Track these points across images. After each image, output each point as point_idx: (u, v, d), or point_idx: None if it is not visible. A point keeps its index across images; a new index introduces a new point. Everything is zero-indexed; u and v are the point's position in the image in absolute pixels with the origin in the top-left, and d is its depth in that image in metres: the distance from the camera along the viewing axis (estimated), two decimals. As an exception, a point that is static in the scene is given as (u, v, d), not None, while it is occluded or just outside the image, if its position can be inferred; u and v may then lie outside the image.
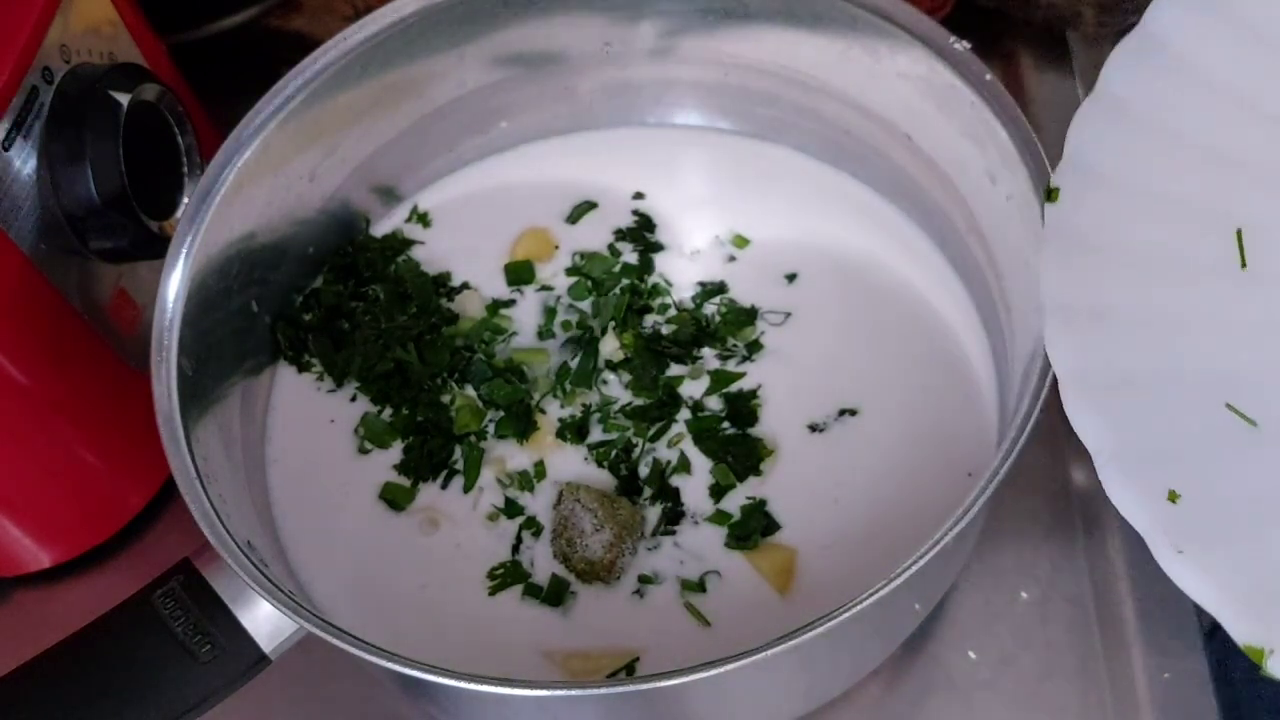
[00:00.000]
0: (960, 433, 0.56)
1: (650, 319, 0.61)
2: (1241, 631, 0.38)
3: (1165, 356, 0.44)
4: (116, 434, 0.60)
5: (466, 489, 0.57)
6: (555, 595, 0.54)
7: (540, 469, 0.57)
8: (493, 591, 0.54)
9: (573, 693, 0.43)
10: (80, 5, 0.56)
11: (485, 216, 0.66)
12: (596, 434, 0.58)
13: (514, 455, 0.58)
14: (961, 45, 0.54)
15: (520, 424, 0.58)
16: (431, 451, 0.58)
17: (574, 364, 0.59)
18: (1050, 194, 0.47)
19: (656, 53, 0.63)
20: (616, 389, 0.59)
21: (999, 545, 0.59)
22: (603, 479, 0.57)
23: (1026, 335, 0.50)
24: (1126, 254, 0.46)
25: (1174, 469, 0.41)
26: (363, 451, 0.59)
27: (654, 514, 0.56)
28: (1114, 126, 0.47)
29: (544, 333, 0.61)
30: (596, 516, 0.53)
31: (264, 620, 0.46)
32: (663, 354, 0.59)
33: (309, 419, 0.60)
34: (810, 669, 0.50)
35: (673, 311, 0.61)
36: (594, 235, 0.64)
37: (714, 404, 0.58)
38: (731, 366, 0.59)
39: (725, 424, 0.58)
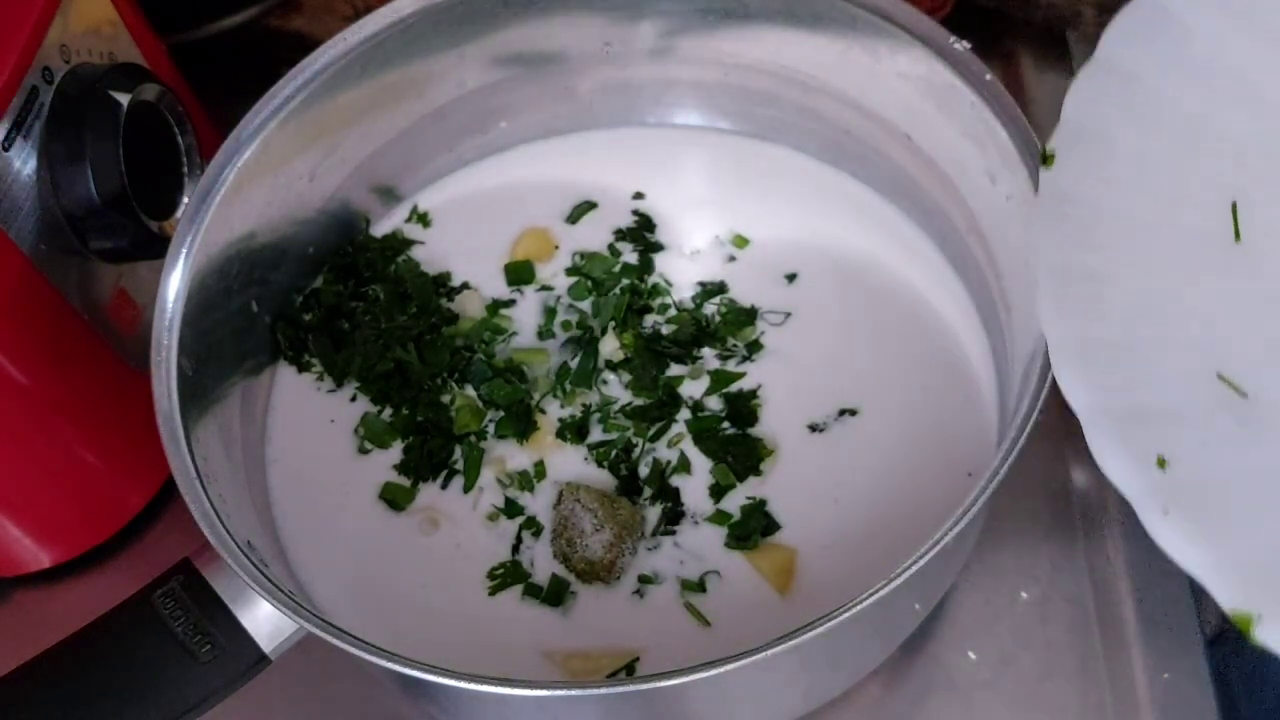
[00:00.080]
0: (960, 433, 0.56)
1: (650, 319, 0.61)
2: (1228, 597, 0.38)
3: (1156, 323, 0.44)
4: (116, 434, 0.60)
5: (466, 489, 0.57)
6: (555, 595, 0.54)
7: (540, 469, 0.57)
8: (493, 591, 0.54)
9: (573, 693, 0.43)
10: (80, 5, 0.56)
11: (485, 216, 0.66)
12: (596, 434, 0.58)
13: (514, 455, 0.58)
14: (961, 45, 0.54)
15: (520, 424, 0.58)
16: (431, 451, 0.58)
17: (574, 364, 0.59)
18: (1045, 159, 0.47)
19: (656, 53, 0.63)
20: (616, 389, 0.59)
21: (999, 545, 0.59)
22: (603, 479, 0.57)
23: (1026, 335, 0.50)
24: (1120, 219, 0.46)
25: (1162, 435, 0.41)
26: (363, 451, 0.59)
27: (654, 514, 0.56)
28: (1111, 94, 0.47)
29: (544, 333, 0.61)
30: (596, 516, 0.53)
31: (264, 620, 0.46)
32: (663, 354, 0.59)
33: (309, 419, 0.60)
34: (810, 669, 0.50)
35: (673, 311, 0.61)
36: (594, 235, 0.64)
37: (714, 404, 0.58)
38: (731, 366, 0.59)
39: (725, 424, 0.58)
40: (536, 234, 0.64)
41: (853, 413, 0.57)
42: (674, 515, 0.55)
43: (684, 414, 0.58)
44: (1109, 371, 0.43)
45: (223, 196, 0.54)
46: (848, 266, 0.62)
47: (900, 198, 0.63)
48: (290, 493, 0.58)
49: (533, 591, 0.54)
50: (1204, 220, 0.45)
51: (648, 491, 0.56)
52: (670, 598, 0.54)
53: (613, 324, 0.60)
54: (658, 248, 0.63)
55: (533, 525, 0.56)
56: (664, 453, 0.57)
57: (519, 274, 0.63)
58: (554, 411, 0.59)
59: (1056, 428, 0.61)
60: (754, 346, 0.60)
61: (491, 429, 0.58)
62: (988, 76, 0.53)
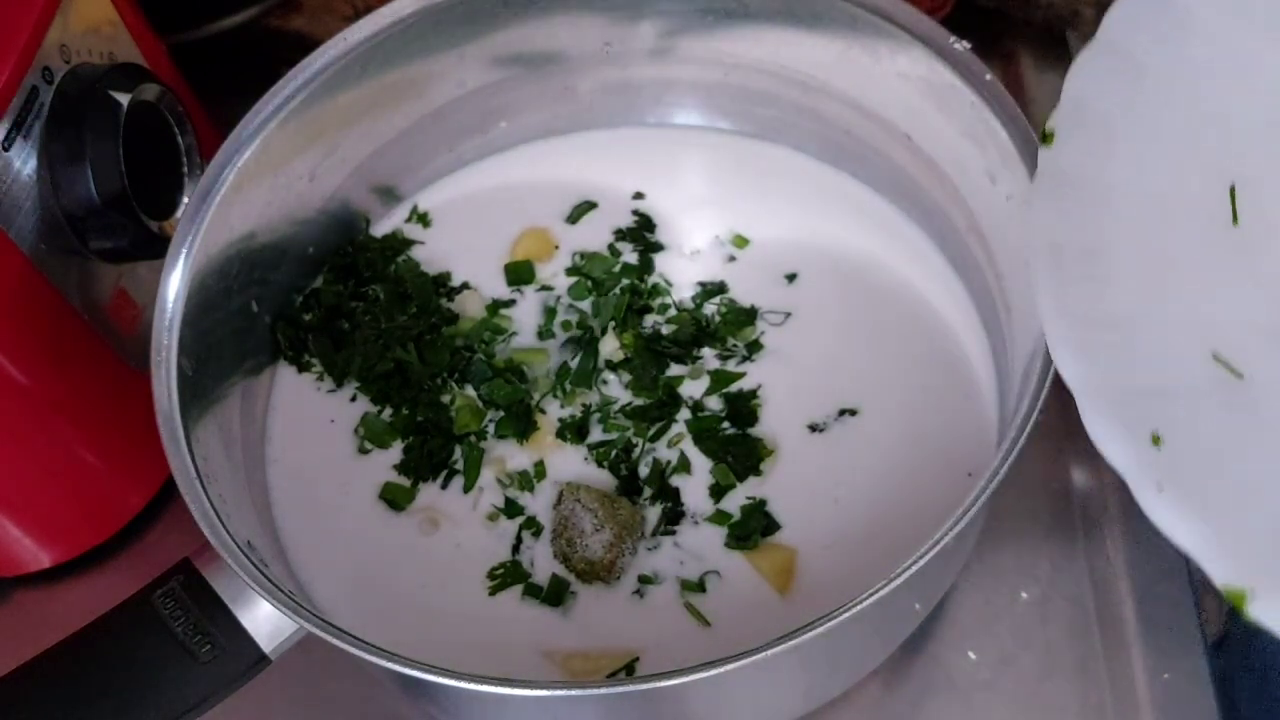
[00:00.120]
0: (960, 433, 0.56)
1: (650, 319, 0.61)
2: (1221, 573, 0.38)
3: (1152, 301, 0.44)
4: (116, 434, 0.60)
5: (466, 489, 0.57)
6: (555, 595, 0.54)
7: (540, 469, 0.57)
8: (493, 591, 0.54)
9: (573, 693, 0.43)
10: (80, 5, 0.56)
11: (485, 216, 0.66)
12: (596, 434, 0.58)
13: (514, 455, 0.58)
14: (961, 45, 0.54)
15: (520, 424, 0.58)
16: (431, 451, 0.58)
17: (574, 364, 0.59)
18: (1045, 137, 0.47)
19: (656, 53, 0.63)
20: (616, 389, 0.59)
21: (999, 545, 0.59)
22: (603, 479, 0.57)
23: (1026, 335, 0.50)
24: (1118, 199, 0.46)
25: (1158, 412, 0.41)
26: (363, 451, 0.59)
27: (654, 514, 0.56)
28: (1111, 75, 0.47)
29: (544, 333, 0.61)
30: (597, 516, 0.53)
31: (264, 620, 0.46)
32: (663, 354, 0.59)
33: (309, 419, 0.60)
34: (810, 669, 0.50)
35: (673, 311, 0.61)
36: (594, 235, 0.64)
37: (714, 404, 0.58)
38: (731, 366, 0.59)
39: (725, 424, 0.58)
40: (536, 234, 0.64)
41: (853, 413, 0.57)
42: (674, 515, 0.55)
43: (684, 414, 0.58)
44: (1104, 348, 0.43)
45: (223, 196, 0.54)
46: (848, 266, 0.62)
47: (900, 198, 0.63)
48: (290, 493, 0.58)
49: (533, 591, 0.54)
50: (1202, 202, 0.45)
51: (648, 491, 0.56)
52: (670, 598, 0.54)
53: (613, 324, 0.60)
54: (658, 248, 0.63)
55: (533, 525, 0.56)
56: (664, 453, 0.57)
57: (519, 274, 0.63)
58: (554, 411, 0.59)
59: (1056, 428, 0.62)
60: (754, 346, 0.60)
61: (491, 429, 0.58)
62: (988, 76, 0.53)
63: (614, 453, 0.57)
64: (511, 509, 0.56)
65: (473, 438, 0.58)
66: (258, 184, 0.56)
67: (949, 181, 0.58)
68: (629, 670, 0.52)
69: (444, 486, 0.57)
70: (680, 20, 0.62)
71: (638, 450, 0.57)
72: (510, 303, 0.62)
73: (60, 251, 0.55)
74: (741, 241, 0.63)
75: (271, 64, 0.58)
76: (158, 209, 0.58)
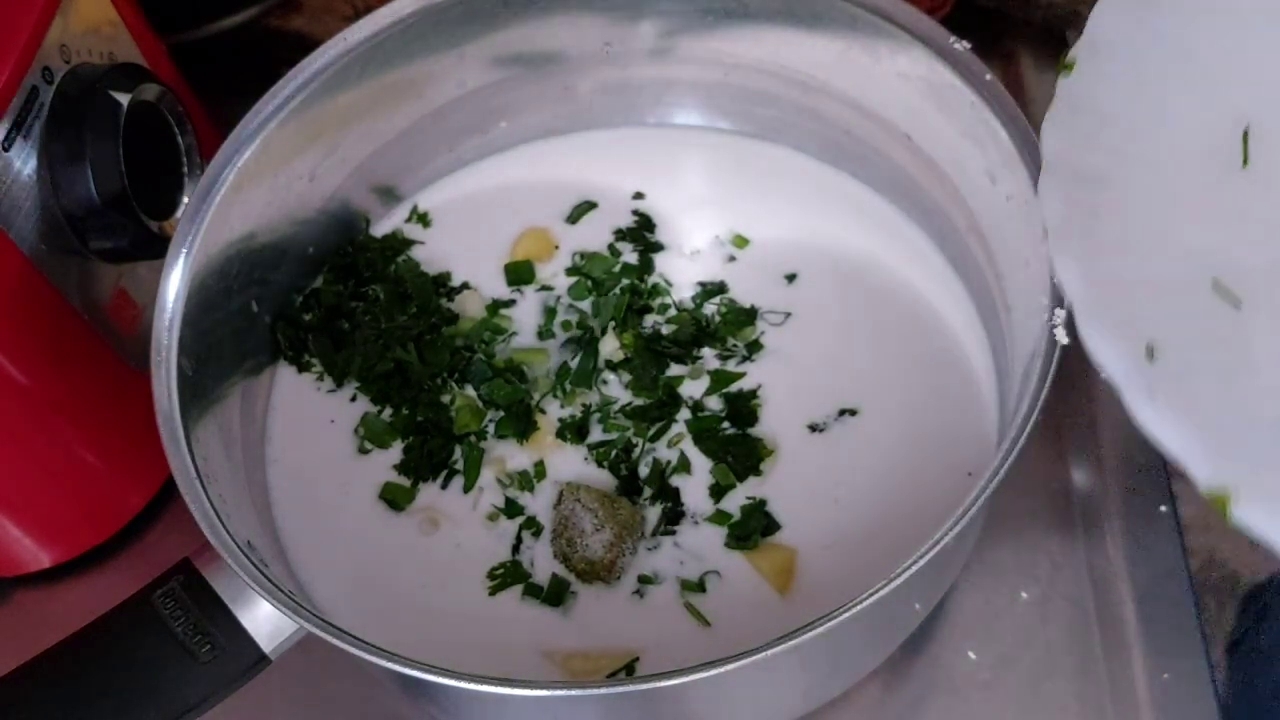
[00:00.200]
0: (960, 433, 0.56)
1: (650, 319, 0.61)
2: (1205, 477, 0.38)
3: (1157, 225, 0.45)
4: (116, 434, 0.60)
5: (466, 489, 0.57)
6: (555, 595, 0.54)
7: (540, 469, 0.57)
8: (493, 591, 0.54)
9: (573, 693, 0.43)
10: (80, 5, 0.56)
11: (485, 216, 0.66)
12: (596, 434, 0.58)
13: (514, 455, 0.58)
14: (961, 45, 0.54)
15: (520, 424, 0.58)
16: (431, 451, 0.58)
17: (574, 364, 0.59)
18: (1066, 67, 0.47)
19: (656, 53, 0.63)
20: (616, 389, 0.59)
21: (999, 545, 0.59)
22: (603, 479, 0.57)
23: (1026, 335, 0.50)
24: (1132, 131, 0.46)
25: (1153, 329, 0.42)
26: (363, 451, 0.59)
27: (654, 514, 0.56)
28: (1134, 11, 0.48)
29: (544, 333, 0.61)
30: (597, 516, 0.53)
31: (264, 620, 0.46)
32: (663, 354, 0.59)
33: (309, 419, 0.60)
34: (810, 669, 0.50)
35: (673, 311, 0.61)
36: (594, 235, 0.64)
37: (714, 404, 0.58)
38: (731, 366, 0.59)
39: (725, 424, 0.58)
40: (536, 234, 0.64)
41: (853, 413, 0.57)
42: (674, 515, 0.55)
43: (684, 414, 0.58)
44: (1106, 266, 0.43)
45: (223, 196, 0.54)
46: (848, 266, 0.62)
47: (900, 198, 0.63)
48: (290, 493, 0.58)
49: (533, 591, 0.54)
50: (1214, 141, 0.46)
51: (648, 491, 0.56)
52: (670, 598, 0.54)
53: (613, 324, 0.60)
54: (658, 248, 0.63)
55: (533, 525, 0.56)
56: (664, 453, 0.57)
57: (519, 274, 0.63)
58: (554, 411, 0.59)
59: (1057, 428, 0.62)
60: (754, 346, 0.60)
61: (491, 429, 0.58)
62: (988, 76, 0.53)
63: (614, 453, 0.57)
64: (511, 509, 0.56)
65: (473, 438, 0.58)
66: (258, 184, 0.56)
67: (949, 181, 0.58)
68: (629, 670, 0.52)
69: (444, 486, 0.57)
70: (680, 20, 0.62)
71: (638, 450, 0.57)
72: (510, 303, 0.62)
73: (60, 251, 0.55)
74: (741, 241, 0.63)
75: (271, 64, 0.58)
76: (158, 209, 0.58)
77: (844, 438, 0.57)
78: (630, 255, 0.63)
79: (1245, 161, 0.46)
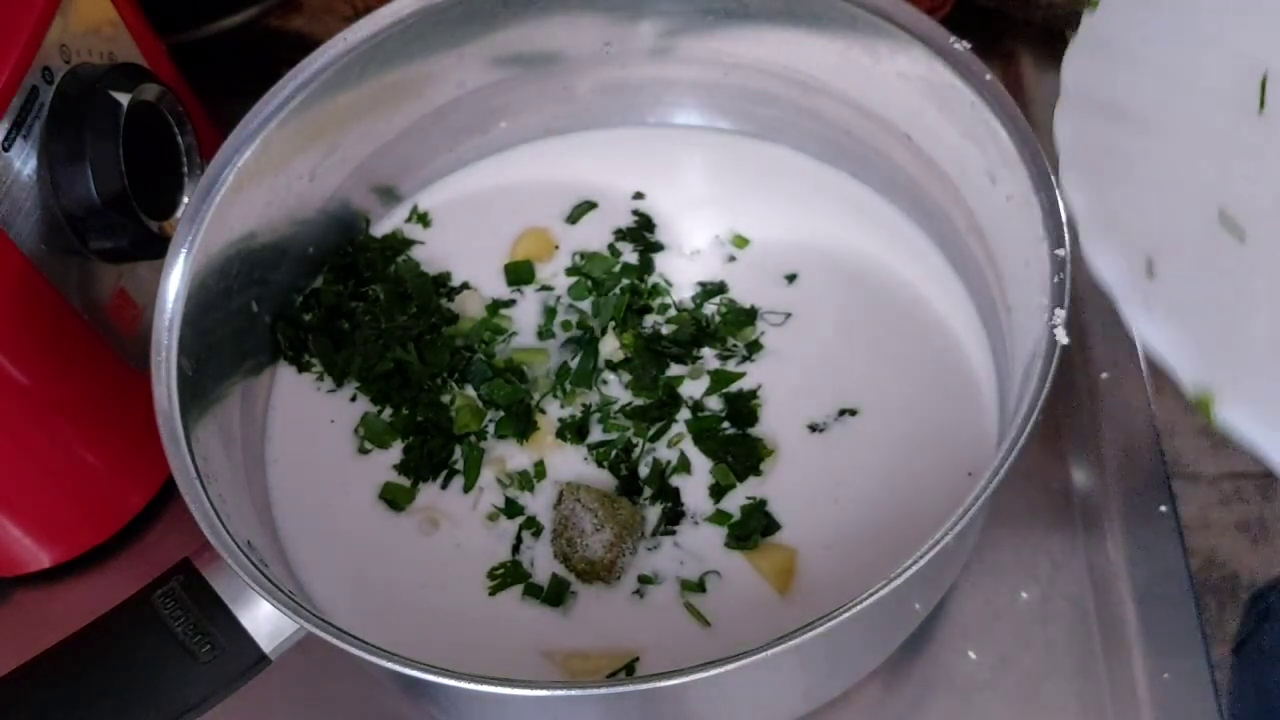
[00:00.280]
0: (960, 433, 0.56)
1: (650, 319, 0.61)
2: (1191, 378, 0.40)
3: (1169, 155, 0.46)
4: (116, 434, 0.60)
5: (466, 489, 0.57)
6: (555, 595, 0.54)
7: (540, 469, 0.57)
8: (493, 591, 0.54)
9: (573, 693, 0.43)
10: (80, 5, 0.56)
11: (485, 216, 0.66)
12: (596, 434, 0.58)
13: (514, 455, 0.58)
14: (961, 45, 0.54)
15: (520, 424, 0.58)
16: (431, 451, 0.58)
17: (574, 364, 0.59)
18: (1091, 4, 0.48)
19: (656, 52, 0.63)
20: (616, 389, 0.59)
21: (999, 545, 0.59)
22: (603, 479, 0.57)
23: (1026, 335, 0.50)
24: (1150, 68, 0.47)
25: (1154, 251, 0.43)
26: (363, 451, 0.59)
27: (654, 514, 0.56)
28: None
29: (544, 333, 0.61)
30: (597, 516, 0.53)
31: (264, 620, 0.46)
32: (663, 354, 0.59)
33: (309, 419, 0.60)
34: (810, 669, 0.50)
35: (673, 311, 0.61)
36: (594, 235, 0.64)
37: (714, 404, 0.58)
38: (731, 366, 0.59)
39: (725, 424, 0.58)
40: (536, 234, 0.64)
41: (853, 413, 0.57)
42: (674, 515, 0.55)
43: (684, 414, 0.58)
44: (1113, 189, 0.44)
45: (223, 196, 0.54)
46: (848, 266, 0.62)
47: (900, 198, 0.63)
48: (290, 493, 0.58)
49: (533, 591, 0.54)
50: (1231, 84, 0.47)
51: (648, 491, 0.56)
52: (670, 598, 0.54)
53: (613, 324, 0.60)
54: (658, 248, 0.63)
55: (533, 525, 0.56)
56: (664, 453, 0.57)
57: (519, 274, 0.63)
58: (554, 411, 0.59)
59: (1057, 427, 0.62)
60: (754, 346, 0.60)
61: (491, 429, 0.58)
62: (988, 76, 0.53)
63: (614, 453, 0.57)
64: (511, 509, 0.56)
65: (473, 438, 0.58)
66: (258, 184, 0.56)
67: (949, 181, 0.58)
68: (629, 670, 0.52)
69: (444, 486, 0.57)
70: (680, 20, 0.62)
71: (638, 450, 0.57)
72: (510, 303, 0.62)
73: (60, 251, 0.55)
74: (741, 241, 0.63)
75: (271, 64, 0.58)
76: (158, 209, 0.58)
77: (844, 438, 0.57)
78: (630, 255, 0.63)
79: (1262, 106, 0.47)
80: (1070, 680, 0.56)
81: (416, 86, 0.62)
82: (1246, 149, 0.47)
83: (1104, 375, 0.63)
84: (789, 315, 0.61)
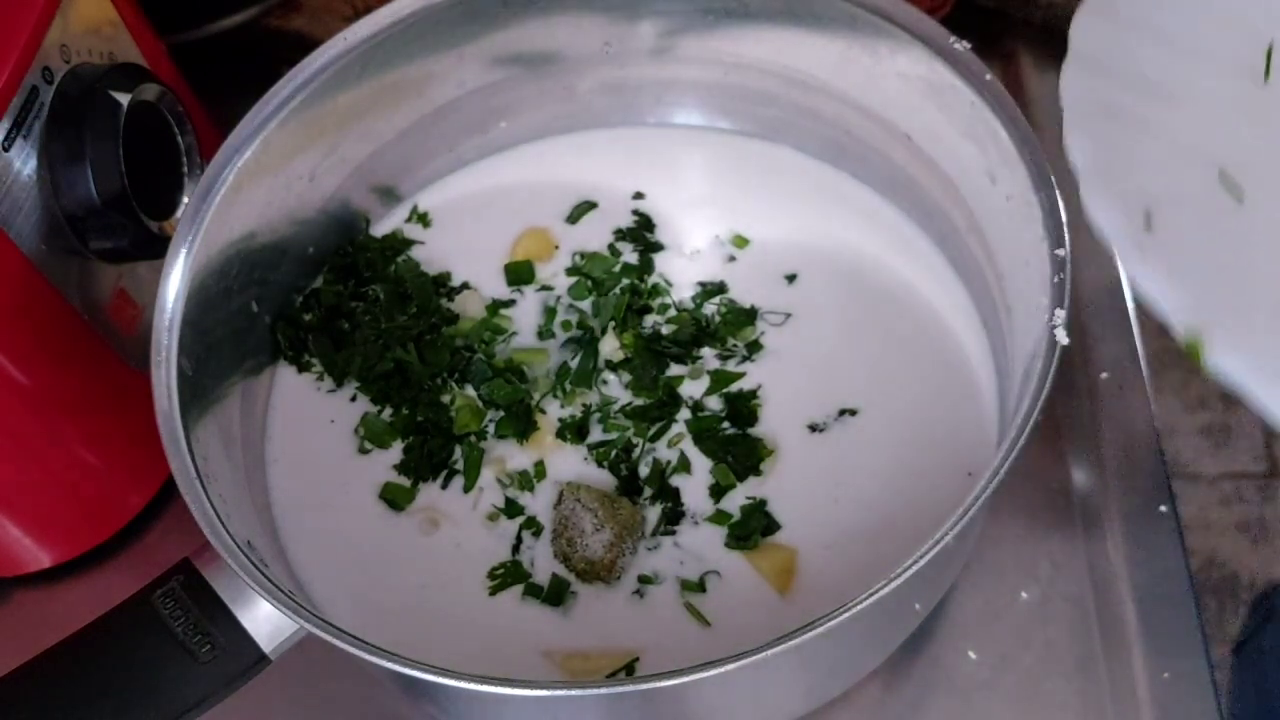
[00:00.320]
0: (960, 433, 0.56)
1: (650, 319, 0.61)
2: (1184, 322, 0.41)
3: (1173, 113, 0.47)
4: (116, 434, 0.60)
5: (466, 489, 0.57)
6: (555, 595, 0.54)
7: (540, 469, 0.57)
8: (493, 591, 0.54)
9: (573, 693, 0.43)
10: (80, 5, 0.56)
11: (485, 216, 0.66)
12: (596, 434, 0.58)
13: (514, 455, 0.58)
14: (961, 45, 0.54)
15: (520, 424, 0.58)
16: (431, 451, 0.58)
17: (574, 364, 0.59)
18: None
19: (656, 52, 0.63)
20: (616, 389, 0.59)
21: (999, 545, 0.59)
22: (603, 479, 0.57)
23: (1026, 335, 0.50)
24: (1160, 32, 0.48)
25: (1153, 205, 0.44)
26: (363, 451, 0.59)
27: (654, 514, 0.56)
28: None
29: (544, 333, 0.61)
30: (597, 516, 0.53)
31: (264, 620, 0.46)
32: (663, 354, 0.59)
33: (309, 419, 0.60)
34: (810, 669, 0.50)
35: (673, 311, 0.61)
36: (594, 235, 0.64)
37: (714, 404, 0.58)
38: (731, 366, 0.59)
39: (725, 424, 0.58)
40: (536, 234, 0.64)
41: (853, 413, 0.57)
42: (674, 515, 0.55)
43: (684, 414, 0.58)
44: (1116, 147, 0.45)
45: (223, 196, 0.54)
46: (848, 266, 0.62)
47: (900, 198, 0.63)
48: (290, 493, 0.58)
49: (533, 591, 0.54)
50: (1238, 54, 0.48)
51: (648, 491, 0.56)
52: (670, 598, 0.54)
53: (613, 324, 0.60)
54: (658, 248, 0.63)
55: (533, 525, 0.56)
56: (664, 453, 0.57)
57: (519, 274, 0.63)
58: (554, 411, 0.59)
59: (1057, 427, 0.62)
60: (754, 346, 0.60)
61: (491, 429, 0.58)
62: (988, 76, 0.53)
63: (614, 453, 0.57)
64: (511, 509, 0.56)
65: (473, 438, 0.58)
66: (258, 184, 0.56)
67: (949, 181, 0.58)
68: (629, 670, 0.52)
69: (444, 486, 0.57)
70: (680, 20, 0.62)
71: (638, 450, 0.57)
72: (510, 303, 0.62)
73: (60, 251, 0.55)
74: (741, 241, 0.63)
75: (271, 64, 0.58)
76: (158, 209, 0.58)
77: (844, 438, 0.57)
78: (630, 255, 0.63)
79: (1267, 76, 0.48)
80: (1070, 680, 0.56)
81: (416, 86, 0.62)
82: (1250, 116, 0.48)
83: (1104, 375, 0.63)
84: (789, 315, 0.61)
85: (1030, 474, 0.61)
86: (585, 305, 0.62)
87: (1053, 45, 0.74)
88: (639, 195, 0.65)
